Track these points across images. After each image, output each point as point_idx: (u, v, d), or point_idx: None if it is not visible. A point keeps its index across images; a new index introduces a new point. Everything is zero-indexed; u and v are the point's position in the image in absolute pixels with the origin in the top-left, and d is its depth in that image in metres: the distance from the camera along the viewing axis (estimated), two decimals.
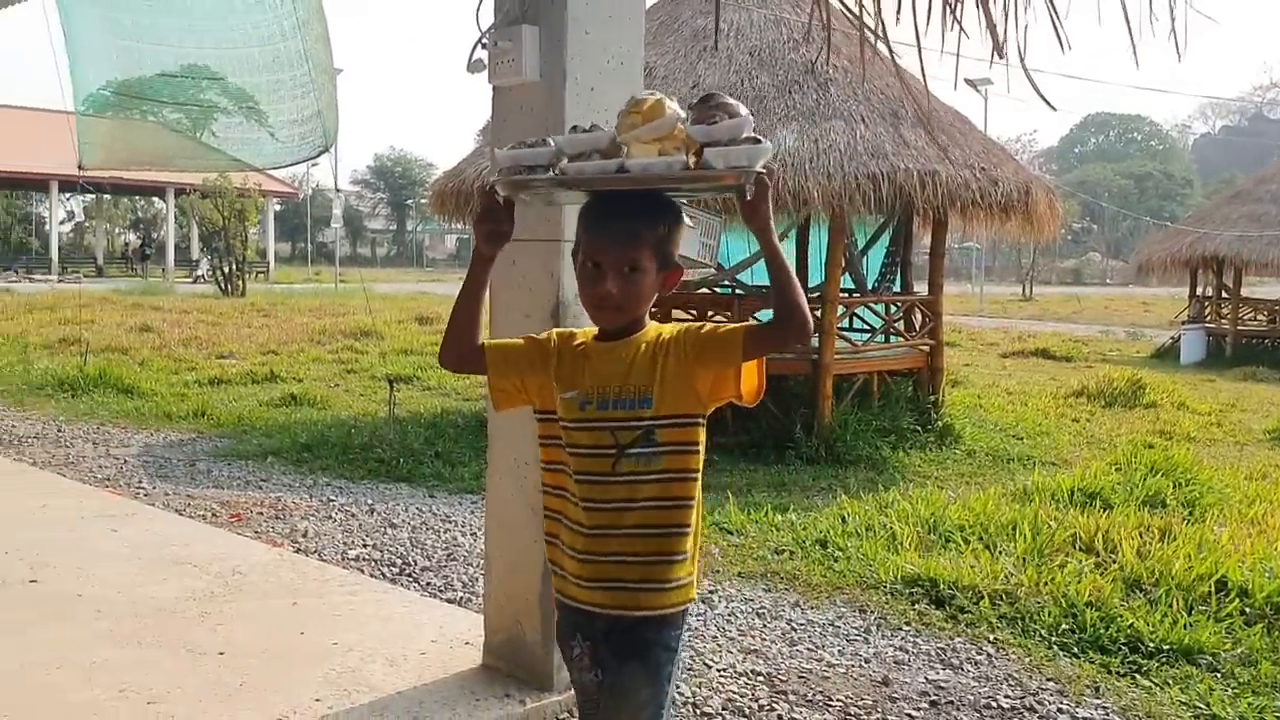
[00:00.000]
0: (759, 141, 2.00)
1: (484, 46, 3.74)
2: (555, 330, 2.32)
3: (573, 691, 3.56)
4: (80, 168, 10.62)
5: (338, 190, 53.37)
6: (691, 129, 2.04)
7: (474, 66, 3.77)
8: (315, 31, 9.81)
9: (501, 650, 3.72)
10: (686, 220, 6.03)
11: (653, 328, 2.21)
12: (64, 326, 16.86)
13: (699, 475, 2.19)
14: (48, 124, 33.01)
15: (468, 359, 2.28)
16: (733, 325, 2.14)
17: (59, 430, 8.76)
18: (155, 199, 50.64)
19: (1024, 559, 5.33)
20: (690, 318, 10.17)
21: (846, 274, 9.64)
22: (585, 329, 2.32)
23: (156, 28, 10.81)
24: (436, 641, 3.96)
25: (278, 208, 52.04)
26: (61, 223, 54.24)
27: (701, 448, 2.19)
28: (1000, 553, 5.47)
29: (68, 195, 50.74)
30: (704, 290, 10.01)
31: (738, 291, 9.95)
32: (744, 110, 2.05)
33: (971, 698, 3.91)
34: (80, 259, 48.99)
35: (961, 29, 2.82)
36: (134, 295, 25.98)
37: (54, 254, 43.51)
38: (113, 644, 3.89)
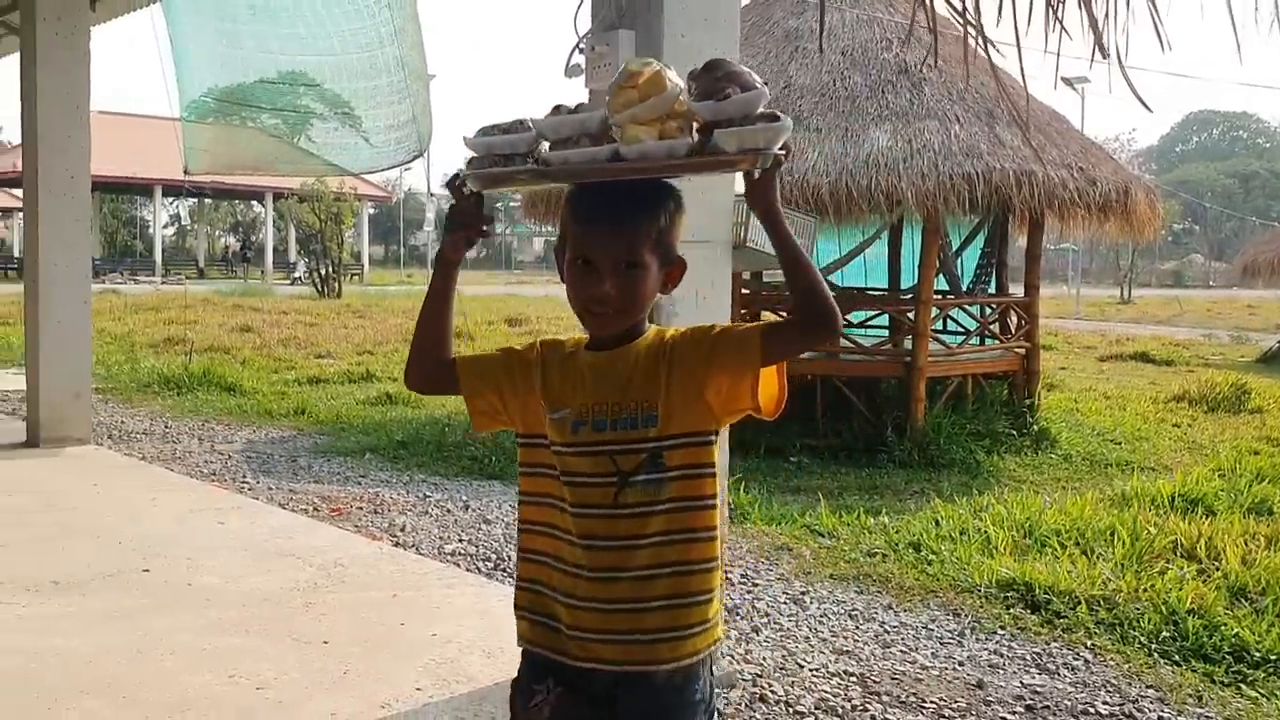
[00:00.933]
0: (776, 118, 1.71)
1: (581, 51, 3.80)
2: (540, 340, 2.00)
3: None
4: (186, 172, 10.95)
5: (431, 194, 54.19)
6: (696, 105, 1.74)
7: (571, 71, 3.83)
8: (410, 38, 10.01)
9: None
10: None
11: (653, 331, 1.91)
12: (168, 327, 17.39)
13: (716, 502, 1.88)
14: (152, 130, 34.14)
15: (437, 378, 1.98)
16: (747, 324, 1.87)
17: (166, 426, 9.06)
18: (254, 203, 51.96)
19: (1122, 565, 5.24)
20: (779, 319, 10.17)
21: (941, 275, 9.54)
22: (575, 335, 2.00)
23: (258, 36, 11.11)
24: None
25: (372, 211, 53.05)
26: (165, 226, 55.94)
27: (716, 470, 1.89)
28: (1098, 558, 5.38)
29: (171, 199, 52.30)
30: None
31: None
32: (758, 80, 1.75)
33: (1068, 703, 3.86)
34: (182, 261, 50.48)
35: (1063, 29, 2.80)
36: (234, 296, 26.69)
37: (158, 256, 44.92)
38: (221, 632, 4.03)
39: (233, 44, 10.86)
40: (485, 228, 1.91)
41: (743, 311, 9.18)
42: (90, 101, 7.80)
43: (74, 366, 7.62)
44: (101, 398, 10.15)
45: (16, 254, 45.77)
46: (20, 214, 45.26)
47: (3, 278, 36.98)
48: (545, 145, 1.84)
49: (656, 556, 1.83)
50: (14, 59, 8.47)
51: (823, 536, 5.91)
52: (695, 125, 1.76)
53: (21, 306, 8.93)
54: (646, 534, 1.83)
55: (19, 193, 38.36)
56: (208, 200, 50.84)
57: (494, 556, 5.48)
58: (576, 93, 3.93)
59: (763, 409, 1.86)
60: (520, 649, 1.98)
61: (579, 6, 3.87)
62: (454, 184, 1.89)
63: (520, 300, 27.22)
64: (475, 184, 1.87)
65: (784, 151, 1.74)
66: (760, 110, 1.71)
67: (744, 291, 9.25)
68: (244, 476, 7.15)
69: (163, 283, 37.89)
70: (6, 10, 9.93)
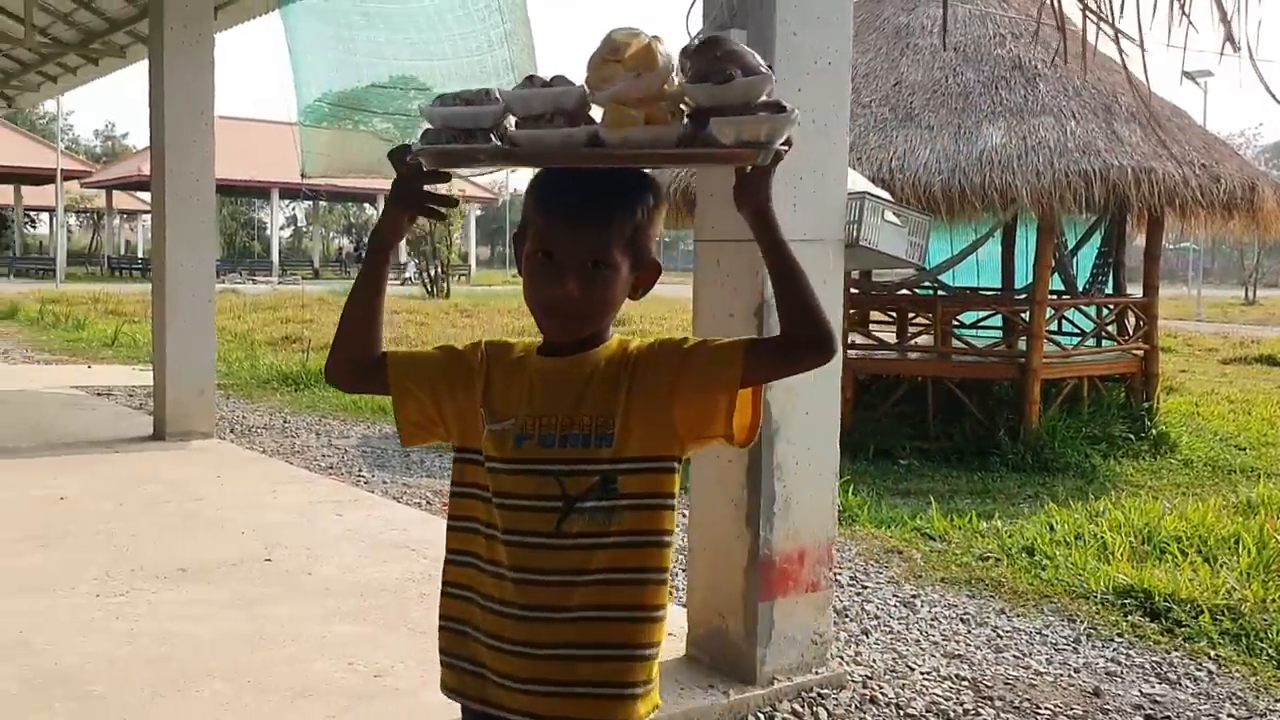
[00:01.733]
0: (782, 108, 1.49)
1: None
2: (485, 340, 1.77)
3: (777, 685, 3.62)
4: (303, 175, 11.24)
5: None
6: (692, 87, 1.50)
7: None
8: (520, 41, 10.14)
9: (704, 642, 3.79)
10: (893, 218, 5.99)
11: (616, 340, 1.69)
12: (286, 325, 17.90)
13: (672, 540, 1.66)
14: (269, 134, 35.13)
15: (363, 373, 1.73)
16: (727, 340, 1.65)
17: (285, 421, 9.33)
18: (366, 205, 53.13)
19: (1248, 574, 5.07)
20: (889, 320, 10.05)
21: (1056, 275, 9.34)
22: (525, 340, 1.78)
23: (372, 41, 11.37)
24: None
25: (478, 213, 53.91)
26: (281, 228, 57.58)
27: (675, 502, 1.66)
28: (1221, 566, 5.21)
29: (287, 202, 53.83)
30: (904, 291, 9.86)
31: (939, 293, 9.77)
32: (761, 62, 1.51)
33: (1190, 714, 3.75)
34: (298, 261, 51.88)
35: (1189, 22, 2.72)
36: (348, 296, 27.29)
37: (275, 257, 46.21)
38: (340, 620, 4.14)
39: (347, 50, 11.14)
40: (439, 208, 1.66)
41: (851, 311, 9.11)
42: (214, 107, 8.04)
43: (198, 363, 7.88)
44: (223, 393, 10.49)
45: (141, 254, 47.59)
46: (146, 216, 47.04)
47: (129, 277, 38.41)
48: (511, 121, 1.59)
49: (598, 596, 1.61)
50: (140, 67, 8.80)
51: (933, 540, 5.83)
52: (686, 110, 1.53)
53: (148, 305, 9.28)
54: (589, 569, 1.60)
55: (145, 196, 39.69)
56: (322, 203, 52.16)
57: None
58: None
59: (735, 437, 1.64)
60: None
61: (690, 7, 3.89)
62: (398, 155, 1.62)
63: None
64: (429, 161, 1.59)
65: (786, 146, 1.52)
66: (763, 98, 1.49)
67: (853, 291, 9.18)
68: (360, 470, 7.32)
69: (279, 282, 39.00)
70: (135, 19, 10.34)
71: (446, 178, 1.67)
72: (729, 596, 3.67)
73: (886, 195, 6.76)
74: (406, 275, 40.52)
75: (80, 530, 5.31)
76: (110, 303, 22.18)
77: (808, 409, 3.66)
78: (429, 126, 1.59)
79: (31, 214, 53.23)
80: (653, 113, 1.50)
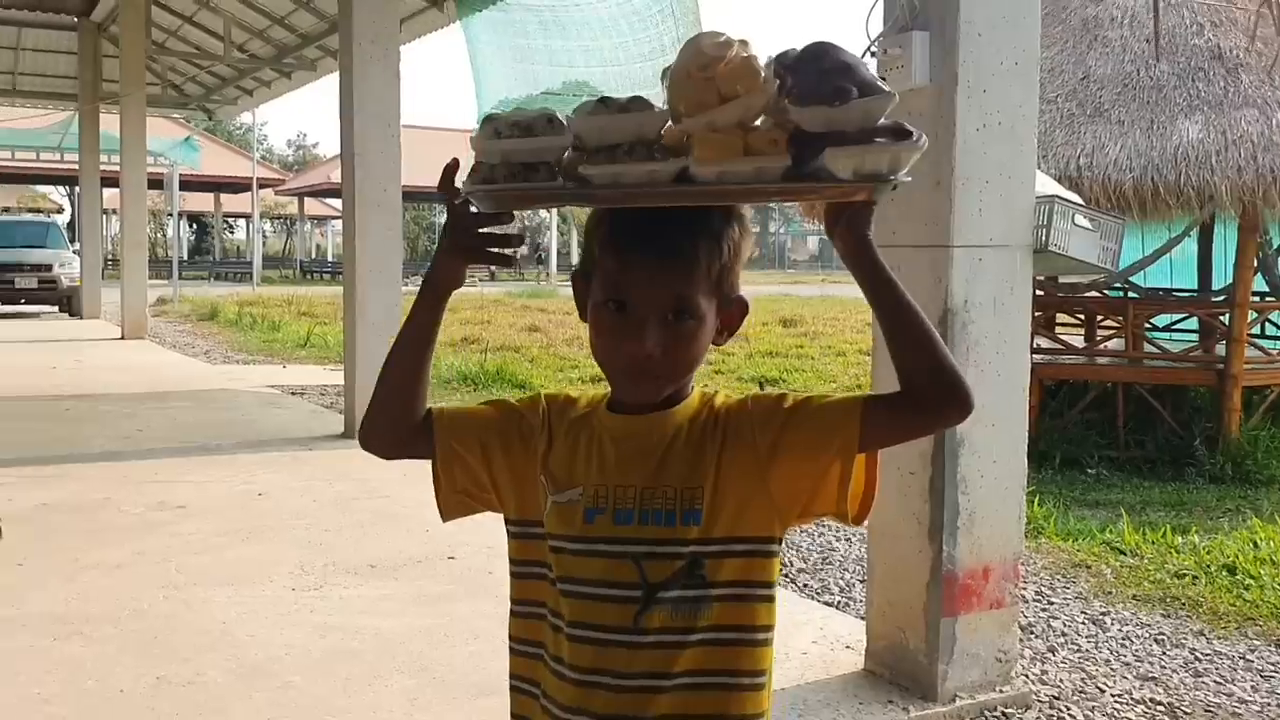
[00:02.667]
0: (908, 133, 1.24)
1: (873, 54, 3.75)
2: (545, 394, 1.54)
3: (959, 702, 3.53)
4: None
5: None
6: (802, 111, 1.22)
7: None
8: None
9: (883, 657, 3.72)
10: (1084, 222, 5.75)
11: (698, 394, 1.44)
12: (464, 327, 18.40)
13: (770, 636, 1.40)
14: (449, 142, 36.10)
15: (406, 437, 1.49)
16: (838, 397, 1.39)
17: None
18: (542, 211, 54.19)
19: None
20: (1077, 322, 9.67)
21: (1259, 275, 8.83)
22: (590, 392, 1.55)
23: (547, 49, 11.60)
24: (817, 643, 4.02)
25: None
26: None
27: (774, 593, 1.41)
28: None
29: None
30: (1093, 293, 9.46)
31: (1130, 294, 9.35)
32: (875, 75, 1.25)
33: None
34: (475, 265, 53.22)
35: None
36: (522, 298, 27.93)
37: None
38: None
39: (525, 59, 11.40)
40: (508, 252, 1.41)
41: (1037, 314, 8.80)
42: (400, 117, 8.31)
43: None
44: None
45: (331, 258, 49.70)
46: (335, 222, 49.14)
47: (319, 280, 40.18)
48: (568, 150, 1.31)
49: (682, 706, 1.36)
50: (329, 79, 9.19)
51: (1124, 555, 5.58)
52: (785, 130, 1.26)
53: (338, 307, 9.66)
54: (671, 673, 1.36)
55: (334, 202, 41.32)
56: None
57: None
58: None
59: (848, 514, 1.38)
60: None
61: (871, 8, 3.83)
62: (446, 186, 1.38)
63: (795, 301, 27.05)
64: (481, 204, 1.36)
65: (908, 178, 1.26)
66: (884, 119, 1.24)
67: (1038, 293, 8.86)
68: None
69: None
70: (325, 34, 10.81)
71: (509, 216, 1.40)
72: (910, 611, 3.59)
73: (1077, 198, 6.51)
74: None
75: (277, 525, 5.59)
76: (302, 304, 23.20)
77: (994, 420, 3.56)
78: (483, 162, 1.34)
79: (229, 220, 56.21)
80: (752, 140, 1.24)
